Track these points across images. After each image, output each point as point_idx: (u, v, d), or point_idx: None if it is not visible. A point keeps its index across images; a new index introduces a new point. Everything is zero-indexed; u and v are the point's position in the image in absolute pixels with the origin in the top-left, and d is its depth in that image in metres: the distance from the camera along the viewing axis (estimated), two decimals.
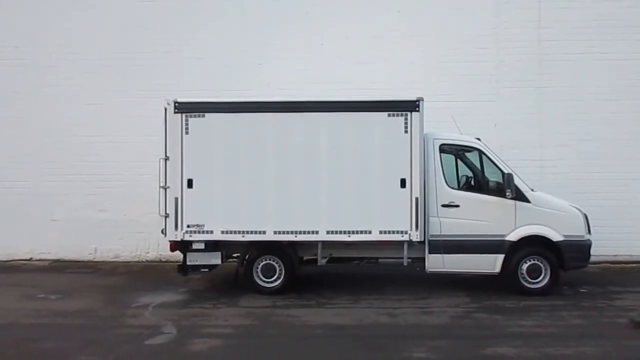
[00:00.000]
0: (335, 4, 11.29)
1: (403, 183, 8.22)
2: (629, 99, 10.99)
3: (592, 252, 8.47)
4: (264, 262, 8.51)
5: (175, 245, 8.45)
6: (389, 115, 8.32)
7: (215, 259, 8.44)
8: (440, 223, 8.31)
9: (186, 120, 8.21)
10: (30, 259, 11.37)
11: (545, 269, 8.31)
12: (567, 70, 11.04)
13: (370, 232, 8.32)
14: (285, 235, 8.34)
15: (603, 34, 11.01)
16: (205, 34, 11.36)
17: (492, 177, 8.47)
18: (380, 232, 8.33)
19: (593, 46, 11.01)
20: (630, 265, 10.67)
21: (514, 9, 11.15)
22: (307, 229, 8.35)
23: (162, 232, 8.48)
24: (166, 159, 8.32)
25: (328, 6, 11.29)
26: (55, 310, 7.84)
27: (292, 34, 11.23)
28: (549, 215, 8.32)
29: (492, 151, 8.59)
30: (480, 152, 8.55)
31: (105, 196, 11.24)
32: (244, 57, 11.25)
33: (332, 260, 8.67)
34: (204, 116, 8.30)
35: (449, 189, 8.41)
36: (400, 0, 11.24)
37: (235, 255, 8.81)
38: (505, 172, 8.28)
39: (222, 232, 8.29)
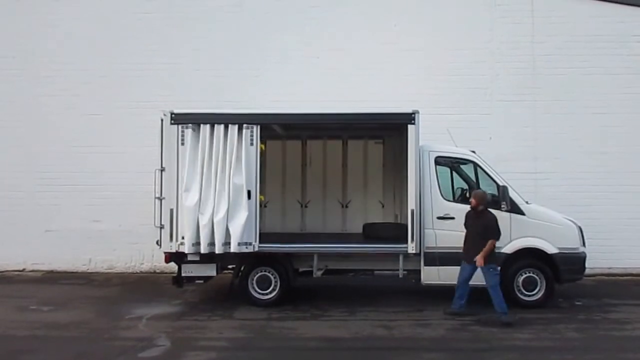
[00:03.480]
0: (332, 18, 11.39)
1: None
2: (622, 113, 11.10)
3: (586, 264, 8.50)
4: (259, 274, 8.47)
5: (170, 257, 8.39)
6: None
7: (210, 270, 8.39)
8: (436, 235, 8.32)
9: (182, 131, 8.21)
10: (24, 270, 11.27)
11: (540, 282, 8.33)
12: (560, 84, 11.16)
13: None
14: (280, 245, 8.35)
15: (595, 48, 11.16)
16: (202, 45, 11.41)
17: (487, 189, 8.50)
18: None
19: (585, 60, 11.15)
20: (625, 277, 10.70)
21: (509, 24, 11.29)
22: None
23: (157, 243, 8.45)
24: (162, 169, 8.31)
25: (325, 20, 11.38)
26: (48, 322, 7.76)
27: (288, 46, 11.31)
28: (544, 228, 8.35)
29: (487, 164, 8.64)
30: (475, 165, 8.61)
31: (100, 207, 11.20)
32: (240, 68, 11.30)
33: (327, 272, 8.65)
34: (199, 127, 8.30)
35: (444, 201, 8.44)
36: (397, 15, 11.35)
37: (230, 266, 8.77)
38: (500, 184, 8.32)
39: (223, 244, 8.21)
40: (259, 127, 8.11)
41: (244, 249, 7.96)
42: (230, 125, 8.03)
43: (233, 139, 7.99)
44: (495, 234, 7.67)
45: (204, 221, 7.86)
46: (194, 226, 7.88)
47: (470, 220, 7.88)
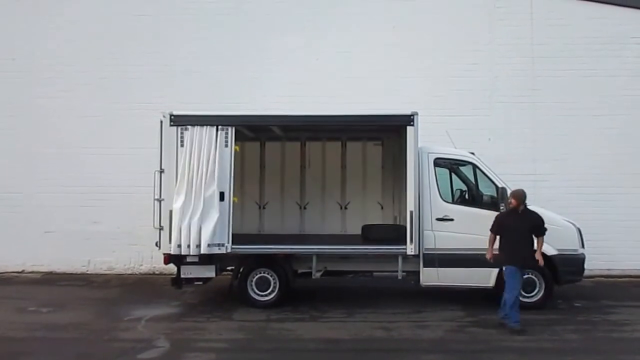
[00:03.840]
0: (331, 19, 11.41)
1: None
2: (621, 115, 11.12)
3: (585, 266, 8.50)
4: (258, 275, 8.47)
5: (169, 258, 8.38)
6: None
7: (209, 271, 8.38)
8: (435, 237, 8.31)
9: (181, 133, 8.21)
10: (23, 271, 11.27)
11: (539, 283, 8.33)
12: (559, 86, 11.18)
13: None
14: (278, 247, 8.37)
15: (594, 50, 11.19)
16: (201, 47, 11.43)
17: (486, 191, 8.52)
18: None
19: (584, 63, 11.18)
20: (624, 279, 10.71)
21: (508, 26, 11.31)
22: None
23: (156, 244, 8.44)
24: (161, 171, 8.31)
25: (324, 21, 11.41)
26: (47, 324, 7.76)
27: (288, 48, 11.33)
28: None
29: (486, 165, 8.65)
30: (475, 166, 8.61)
31: (99, 208, 11.20)
32: (240, 70, 11.32)
33: (326, 273, 8.65)
34: (187, 129, 8.26)
35: (443, 202, 8.44)
36: (396, 16, 11.38)
37: (229, 268, 8.77)
38: (499, 186, 8.33)
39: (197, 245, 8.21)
40: (233, 128, 8.14)
41: (215, 250, 7.98)
42: (208, 127, 8.06)
43: (210, 140, 8.04)
44: (544, 230, 7.42)
45: (184, 223, 7.92)
46: (177, 227, 7.93)
47: (509, 222, 7.38)
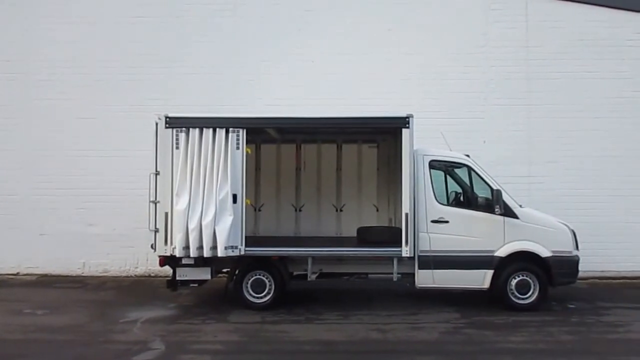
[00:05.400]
0: (327, 22, 11.44)
1: None
2: (615, 117, 11.17)
3: (580, 267, 8.55)
4: (253, 277, 8.47)
5: (164, 260, 8.39)
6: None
7: (204, 274, 8.39)
8: (430, 239, 8.34)
9: (177, 135, 8.22)
10: (18, 274, 11.23)
11: (534, 285, 8.37)
12: (554, 88, 11.23)
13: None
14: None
15: (589, 53, 11.25)
16: (198, 50, 11.43)
17: (481, 193, 8.55)
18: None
19: (579, 65, 11.23)
20: (618, 280, 10.75)
21: (502, 29, 11.36)
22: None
23: (151, 247, 8.44)
24: (156, 173, 8.32)
25: (320, 23, 11.43)
26: (43, 326, 7.75)
27: (284, 51, 11.35)
28: (537, 231, 8.39)
29: (481, 167, 8.68)
30: (470, 169, 8.65)
31: (95, 210, 11.17)
32: (236, 72, 11.33)
33: (322, 275, 8.66)
34: (189, 131, 8.27)
35: (438, 204, 8.46)
36: (390, 19, 11.41)
37: (225, 270, 8.78)
38: (494, 188, 8.37)
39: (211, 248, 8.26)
40: (244, 130, 8.14)
41: (230, 253, 7.96)
42: (217, 129, 8.05)
43: (220, 142, 8.02)
44: None
45: (192, 225, 7.88)
46: (183, 230, 7.90)
47: None
